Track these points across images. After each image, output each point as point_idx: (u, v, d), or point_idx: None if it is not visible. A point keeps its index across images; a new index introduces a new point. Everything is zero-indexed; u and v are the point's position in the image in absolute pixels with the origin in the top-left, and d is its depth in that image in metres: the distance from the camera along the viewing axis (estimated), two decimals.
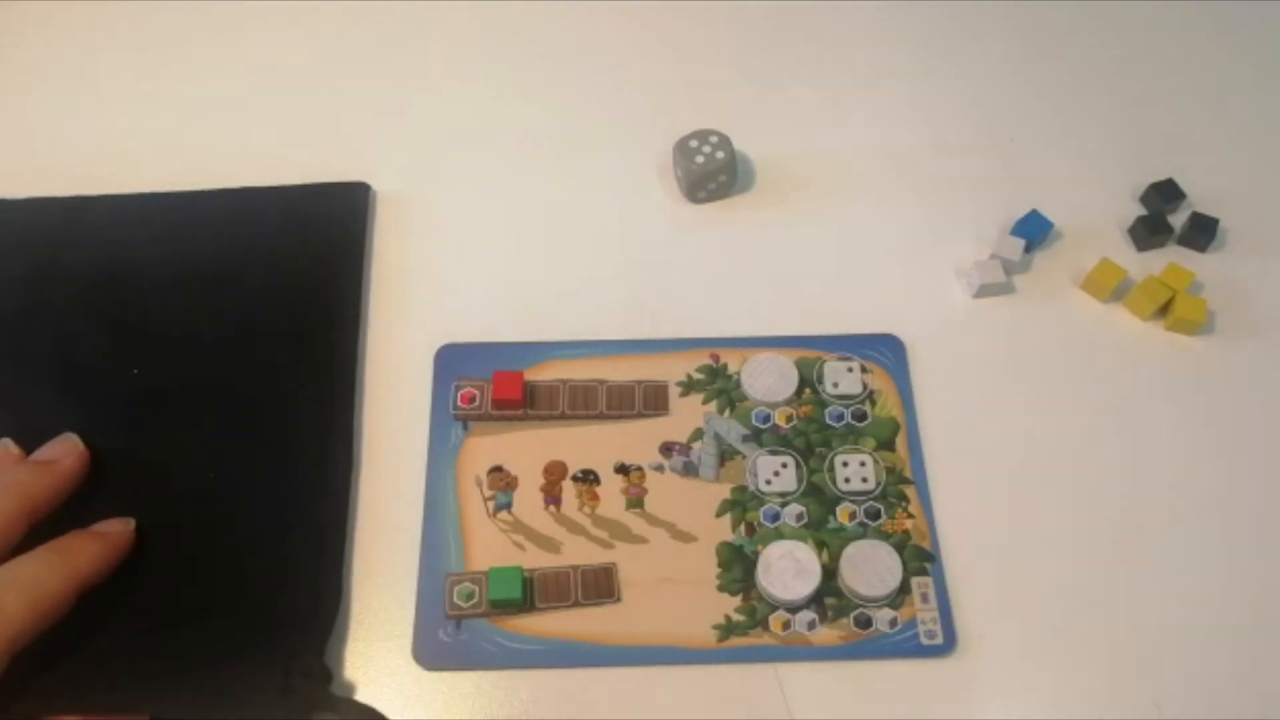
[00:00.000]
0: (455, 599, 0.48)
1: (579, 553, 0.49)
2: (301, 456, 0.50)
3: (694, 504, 0.50)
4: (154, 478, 0.50)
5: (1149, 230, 0.58)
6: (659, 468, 0.51)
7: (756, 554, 0.49)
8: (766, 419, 0.53)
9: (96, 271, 0.55)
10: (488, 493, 0.51)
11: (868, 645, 0.47)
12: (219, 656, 0.46)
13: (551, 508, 0.50)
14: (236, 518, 0.49)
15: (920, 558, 0.49)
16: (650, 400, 0.53)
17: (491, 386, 0.52)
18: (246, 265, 0.56)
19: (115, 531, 0.47)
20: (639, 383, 0.53)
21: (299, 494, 0.50)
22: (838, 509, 0.50)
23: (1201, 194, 0.60)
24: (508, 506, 0.50)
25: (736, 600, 0.48)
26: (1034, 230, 0.58)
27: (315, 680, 0.45)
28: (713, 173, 0.58)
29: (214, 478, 0.50)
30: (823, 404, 0.53)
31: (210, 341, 0.53)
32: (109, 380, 0.52)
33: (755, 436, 0.52)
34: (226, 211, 0.57)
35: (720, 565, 0.49)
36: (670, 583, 0.49)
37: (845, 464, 0.51)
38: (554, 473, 0.51)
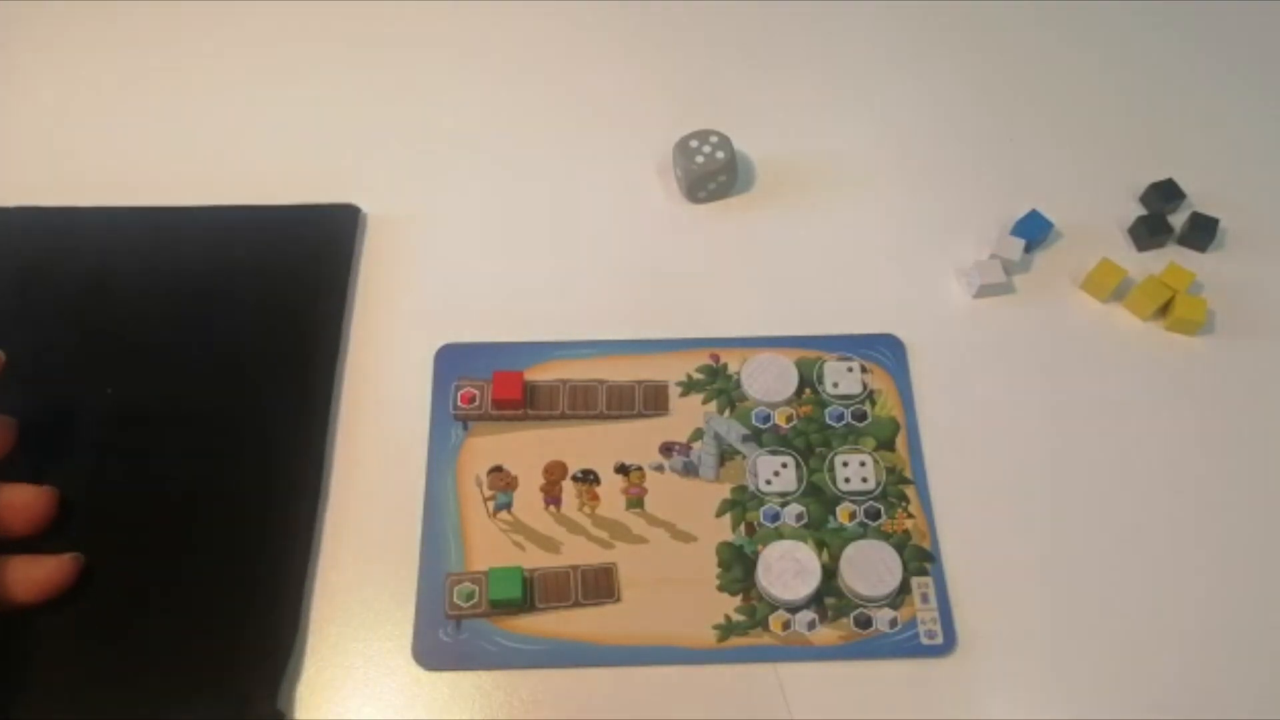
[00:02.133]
0: (455, 599, 0.48)
1: (579, 553, 0.49)
2: (269, 488, 0.50)
3: (694, 504, 0.50)
4: (115, 502, 0.49)
5: (1149, 230, 0.58)
6: (659, 468, 0.51)
7: (756, 554, 0.49)
8: (766, 419, 0.53)
9: (82, 282, 0.55)
10: (488, 493, 0.51)
11: (868, 645, 0.47)
12: (170, 695, 0.45)
13: (551, 508, 0.50)
14: (196, 550, 0.48)
15: (920, 558, 0.49)
16: (650, 400, 0.53)
17: (491, 386, 0.52)
18: (231, 284, 0.55)
19: (54, 564, 0.46)
20: (639, 383, 0.53)
21: (264, 528, 0.49)
22: (838, 509, 0.50)
23: (1201, 194, 0.60)
24: (508, 506, 0.50)
25: (736, 600, 0.48)
26: (1034, 230, 0.58)
27: None
28: (713, 173, 0.58)
29: (177, 505, 0.49)
30: (823, 404, 0.53)
31: (188, 361, 0.53)
32: (83, 396, 0.51)
33: (755, 436, 0.52)
34: (214, 229, 0.57)
35: (720, 565, 0.49)
36: (670, 583, 0.49)
37: (845, 464, 0.51)
38: (554, 473, 0.51)
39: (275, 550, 0.48)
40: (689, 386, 0.53)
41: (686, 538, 0.50)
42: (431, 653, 0.47)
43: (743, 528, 0.50)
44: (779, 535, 0.50)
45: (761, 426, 0.52)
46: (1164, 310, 0.56)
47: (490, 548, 0.49)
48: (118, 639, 0.46)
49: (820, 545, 0.49)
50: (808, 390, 0.53)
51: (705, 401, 0.53)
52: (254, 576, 0.48)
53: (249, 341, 0.53)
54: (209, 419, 0.51)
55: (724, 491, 0.51)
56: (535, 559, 0.49)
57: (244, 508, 0.49)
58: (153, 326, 0.54)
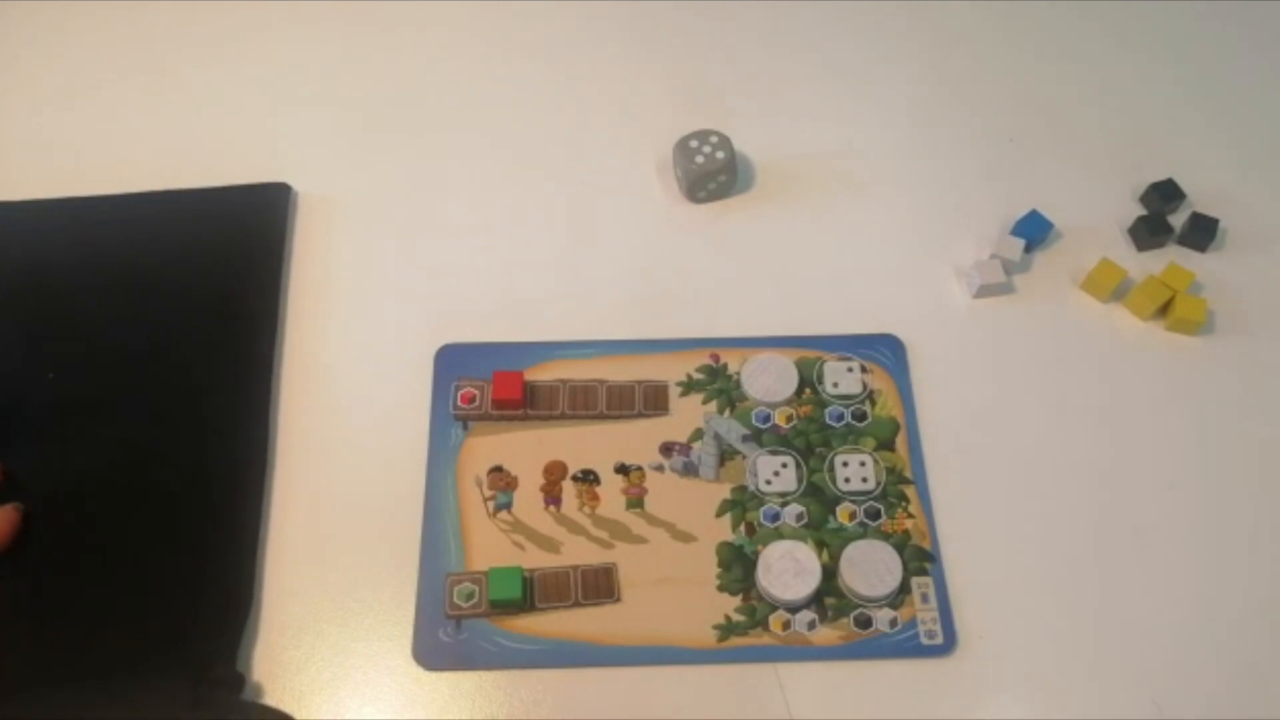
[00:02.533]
0: (455, 599, 0.48)
1: (579, 553, 0.49)
2: (215, 461, 0.50)
3: (694, 504, 0.50)
4: (68, 483, 0.50)
5: (1149, 230, 0.58)
6: (659, 468, 0.51)
7: (756, 554, 0.49)
8: (766, 419, 0.53)
9: (15, 276, 0.55)
10: (488, 493, 0.51)
11: (868, 645, 0.47)
12: (130, 664, 0.46)
13: (551, 508, 0.50)
14: (149, 524, 0.49)
15: (920, 558, 0.49)
16: (650, 400, 0.53)
17: (491, 386, 0.52)
18: (164, 269, 0.56)
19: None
20: (639, 383, 0.53)
21: (212, 499, 0.50)
22: (838, 509, 0.50)
23: (1201, 194, 0.60)
24: (508, 506, 0.50)
25: (736, 600, 0.48)
26: (1034, 230, 0.58)
27: (227, 688, 0.45)
28: (713, 173, 0.58)
29: (127, 483, 0.50)
30: (823, 404, 0.53)
31: (127, 345, 0.53)
32: (26, 385, 0.52)
33: (755, 436, 0.52)
34: (145, 215, 0.57)
35: (720, 565, 0.49)
36: (670, 583, 0.49)
37: (845, 464, 0.51)
38: (554, 473, 0.51)
39: (224, 524, 0.49)
40: (689, 386, 0.53)
41: (686, 538, 0.50)
42: (431, 653, 0.47)
43: (743, 528, 0.50)
44: (779, 535, 0.50)
45: (761, 426, 0.52)
46: (1164, 310, 0.56)
47: (490, 548, 0.49)
48: (76, 616, 0.47)
49: (820, 545, 0.49)
50: (808, 390, 0.53)
51: (705, 401, 0.53)
52: (204, 548, 0.48)
53: (183, 324, 0.54)
54: (148, 400, 0.52)
55: (724, 491, 0.51)
56: (535, 559, 0.49)
57: (188, 485, 0.50)
58: (88, 315, 0.54)
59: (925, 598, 0.48)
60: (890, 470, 0.51)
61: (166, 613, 0.47)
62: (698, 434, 0.52)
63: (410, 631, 0.47)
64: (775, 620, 0.48)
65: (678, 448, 0.52)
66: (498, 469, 0.51)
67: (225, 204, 0.58)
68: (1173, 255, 0.58)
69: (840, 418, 0.53)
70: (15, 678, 0.45)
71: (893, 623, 0.48)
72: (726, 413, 0.53)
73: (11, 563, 0.48)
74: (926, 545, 0.50)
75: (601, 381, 0.53)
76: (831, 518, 0.50)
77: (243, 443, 0.51)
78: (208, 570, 0.48)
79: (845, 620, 0.48)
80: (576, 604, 0.48)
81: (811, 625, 0.48)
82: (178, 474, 0.50)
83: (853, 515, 0.50)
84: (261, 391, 0.53)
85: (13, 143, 0.61)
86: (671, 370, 0.54)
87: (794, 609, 0.48)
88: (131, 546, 0.48)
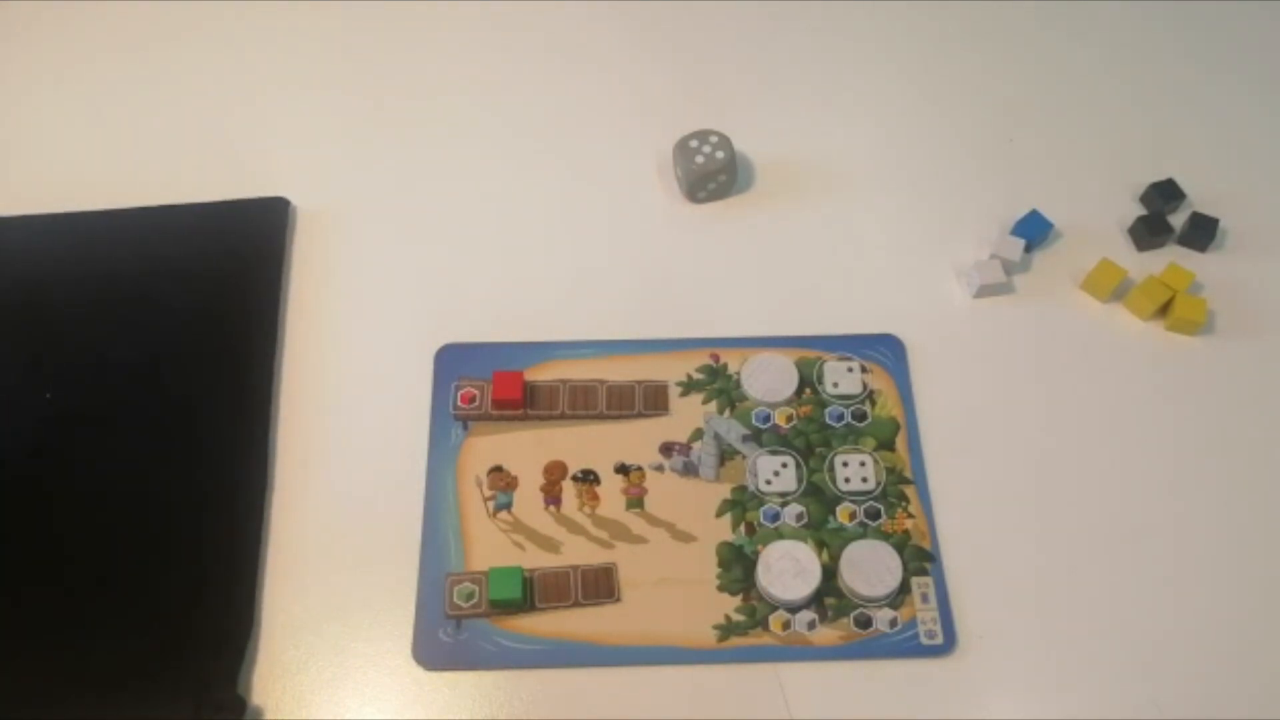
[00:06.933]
0: (455, 599, 0.48)
1: (579, 553, 0.49)
2: (214, 479, 0.50)
3: (694, 504, 0.50)
4: (65, 500, 0.49)
5: (1149, 230, 0.58)
6: (659, 468, 0.51)
7: (756, 554, 0.49)
8: (766, 419, 0.53)
9: (11, 293, 0.55)
10: (488, 493, 0.51)
11: (868, 645, 0.47)
12: (130, 686, 0.45)
13: (551, 508, 0.50)
14: (148, 542, 0.49)
15: (920, 558, 0.49)
16: (650, 400, 0.53)
17: (491, 386, 0.52)
18: (162, 284, 0.55)
19: None
20: (639, 383, 0.53)
21: (211, 518, 0.49)
22: (838, 509, 0.50)
23: (1201, 194, 0.60)
24: (508, 506, 0.50)
25: (736, 600, 0.48)
26: (1034, 230, 0.58)
27: (228, 713, 0.45)
28: (713, 173, 0.58)
29: (126, 500, 0.49)
30: (823, 404, 0.53)
31: (124, 362, 0.53)
32: (22, 402, 0.52)
33: (755, 436, 0.52)
34: (142, 230, 0.57)
35: (720, 565, 0.49)
36: (670, 583, 0.49)
37: (845, 464, 0.51)
38: (554, 473, 0.51)
39: (223, 545, 0.49)
40: (689, 386, 0.53)
41: (686, 538, 0.50)
42: (431, 653, 0.47)
43: (743, 528, 0.50)
44: (779, 535, 0.50)
45: (761, 426, 0.52)
46: (1164, 310, 0.56)
47: (490, 548, 0.49)
48: (75, 637, 0.46)
49: (820, 545, 0.49)
50: (808, 390, 0.53)
51: (705, 401, 0.53)
52: (203, 570, 0.48)
53: (181, 341, 0.54)
54: (146, 418, 0.52)
55: (724, 491, 0.51)
56: (535, 559, 0.49)
57: (187, 505, 0.50)
58: (86, 332, 0.54)
59: (925, 598, 0.48)
60: (890, 470, 0.51)
61: (166, 634, 0.47)
62: (698, 434, 0.52)
63: (410, 631, 0.47)
64: (775, 620, 0.48)
65: (678, 448, 0.52)
66: (498, 469, 0.51)
67: (224, 219, 0.57)
68: (1173, 255, 0.58)
69: (840, 418, 0.53)
70: (13, 700, 0.45)
71: (893, 623, 0.48)
72: (726, 413, 0.53)
73: (8, 582, 0.47)
74: (926, 545, 0.50)
75: (601, 381, 0.53)
76: (831, 518, 0.50)
77: (242, 463, 0.51)
78: (207, 592, 0.48)
79: (845, 620, 0.48)
80: (576, 604, 0.48)
81: (811, 625, 0.48)
82: (177, 493, 0.50)
83: (853, 515, 0.50)
84: (261, 410, 0.52)
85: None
86: (671, 370, 0.54)
87: (794, 609, 0.48)
88: (131, 567, 0.48)
